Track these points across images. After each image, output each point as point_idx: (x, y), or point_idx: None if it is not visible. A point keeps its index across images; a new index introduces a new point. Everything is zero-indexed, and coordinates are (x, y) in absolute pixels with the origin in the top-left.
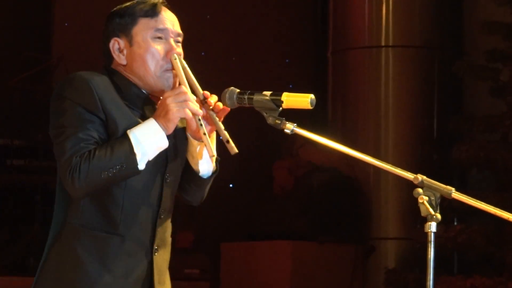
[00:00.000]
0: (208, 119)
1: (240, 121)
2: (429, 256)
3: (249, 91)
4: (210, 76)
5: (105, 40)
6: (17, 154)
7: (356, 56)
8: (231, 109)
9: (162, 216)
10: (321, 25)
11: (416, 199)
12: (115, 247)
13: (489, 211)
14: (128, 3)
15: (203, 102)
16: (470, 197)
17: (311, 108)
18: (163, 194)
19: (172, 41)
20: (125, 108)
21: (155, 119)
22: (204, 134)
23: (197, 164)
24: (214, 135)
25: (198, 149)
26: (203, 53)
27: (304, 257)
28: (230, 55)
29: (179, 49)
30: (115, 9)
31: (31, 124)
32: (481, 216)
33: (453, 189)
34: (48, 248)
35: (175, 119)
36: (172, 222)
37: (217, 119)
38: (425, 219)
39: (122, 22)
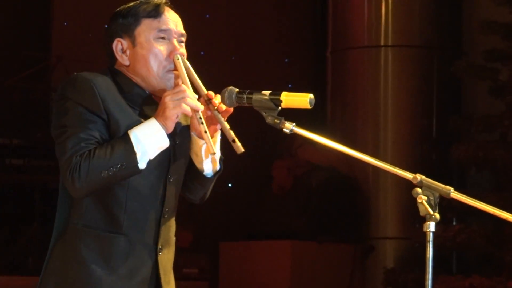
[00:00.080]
0: (212, 119)
1: (239, 121)
2: (428, 255)
3: (248, 91)
4: (209, 76)
5: (108, 41)
6: (16, 153)
7: (355, 56)
8: None
9: (165, 216)
10: (320, 24)
11: (415, 199)
12: (119, 247)
13: (488, 211)
14: (131, 3)
15: (207, 103)
16: (469, 197)
17: (310, 107)
18: (167, 193)
19: (175, 41)
20: (128, 108)
21: (155, 118)
22: (205, 132)
23: (201, 163)
24: (218, 134)
25: (203, 148)
26: (202, 53)
27: (303, 256)
28: (229, 54)
29: (182, 50)
30: (118, 9)
31: (30, 124)
32: (480, 215)
33: (452, 188)
34: (51, 248)
35: (173, 116)
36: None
37: (222, 119)
38: (424, 219)
39: (125, 23)
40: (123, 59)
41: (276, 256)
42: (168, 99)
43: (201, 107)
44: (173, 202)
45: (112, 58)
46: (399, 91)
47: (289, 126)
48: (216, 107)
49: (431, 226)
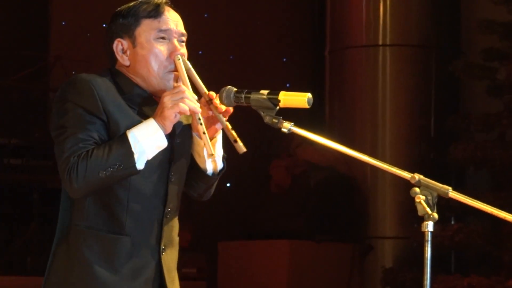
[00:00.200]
0: (213, 118)
1: (237, 120)
2: (426, 255)
3: (246, 90)
4: (207, 75)
5: (108, 41)
6: (15, 153)
7: (353, 55)
8: None
9: (168, 216)
10: (318, 24)
11: (413, 198)
12: (121, 248)
13: (486, 210)
14: (131, 3)
15: (209, 103)
16: (467, 196)
17: (308, 107)
18: (168, 193)
19: (175, 41)
20: (127, 109)
21: (154, 118)
22: (204, 133)
23: (204, 162)
24: (220, 134)
25: (205, 148)
26: (200, 52)
27: (302, 256)
28: (227, 53)
29: (183, 50)
30: (118, 9)
31: (29, 123)
32: (479, 215)
33: (450, 188)
34: (54, 249)
35: (171, 116)
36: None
37: (224, 119)
38: (422, 218)
39: (126, 23)
40: (124, 60)
41: (274, 256)
42: (166, 99)
43: (199, 109)
44: (175, 202)
45: (113, 58)
46: (397, 90)
47: (287, 126)
48: (217, 108)
49: (429, 226)
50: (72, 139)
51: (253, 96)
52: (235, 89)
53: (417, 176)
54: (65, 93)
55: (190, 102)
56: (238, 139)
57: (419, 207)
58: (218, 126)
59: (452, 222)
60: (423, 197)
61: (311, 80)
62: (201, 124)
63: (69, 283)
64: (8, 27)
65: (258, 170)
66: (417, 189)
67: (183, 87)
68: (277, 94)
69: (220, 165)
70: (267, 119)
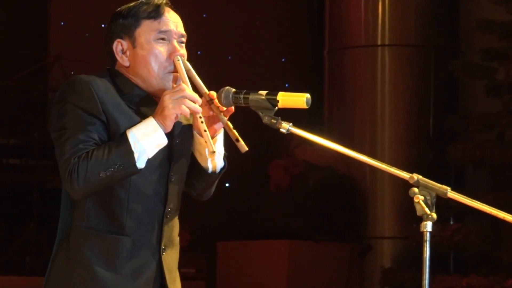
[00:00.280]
0: (214, 118)
1: (236, 120)
2: (425, 255)
3: (244, 91)
4: (206, 75)
5: (108, 41)
6: (13, 153)
7: (352, 55)
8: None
9: (168, 216)
10: (317, 24)
11: (412, 199)
12: (122, 248)
13: (485, 210)
14: (131, 4)
15: (209, 103)
16: (466, 197)
17: (307, 107)
18: (169, 193)
19: (175, 42)
20: (127, 110)
21: (153, 117)
22: (205, 131)
23: (205, 161)
24: (221, 133)
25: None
26: (199, 52)
27: (300, 256)
28: (226, 54)
29: (183, 50)
30: (118, 9)
31: (28, 123)
32: (477, 215)
33: (448, 188)
34: (55, 250)
35: (171, 115)
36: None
37: (225, 118)
38: (421, 219)
39: (125, 24)
40: (123, 60)
41: (273, 256)
42: (167, 98)
43: (199, 109)
44: (176, 202)
45: (112, 58)
46: (396, 90)
47: (285, 126)
48: (218, 107)
49: (428, 226)
50: (72, 140)
51: (252, 96)
52: (234, 89)
53: (415, 176)
54: (64, 94)
55: (190, 103)
56: (240, 138)
57: (418, 207)
58: (218, 125)
59: (451, 222)
60: (422, 197)
61: (310, 80)
62: (202, 122)
63: (69, 284)
64: (7, 27)
65: (257, 170)
66: (416, 189)
67: (183, 85)
68: (276, 95)
69: (221, 163)
70: (265, 120)
